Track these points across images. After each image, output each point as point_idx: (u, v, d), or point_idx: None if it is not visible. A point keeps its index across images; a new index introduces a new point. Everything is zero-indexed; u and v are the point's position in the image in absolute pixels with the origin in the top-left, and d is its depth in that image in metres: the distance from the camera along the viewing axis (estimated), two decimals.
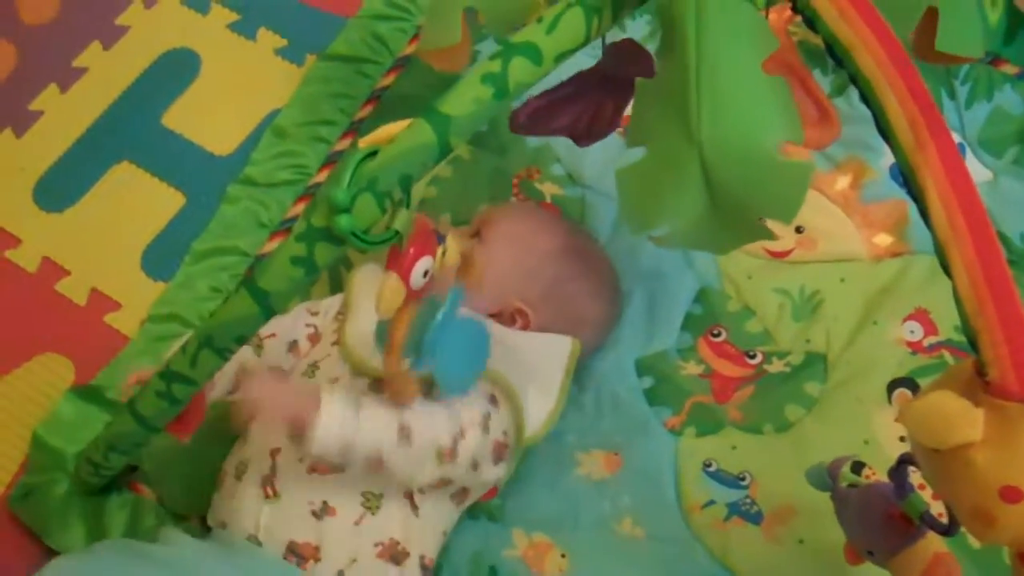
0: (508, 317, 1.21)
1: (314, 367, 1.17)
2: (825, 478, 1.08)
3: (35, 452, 1.23)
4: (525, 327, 1.20)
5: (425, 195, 1.42)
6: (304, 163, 1.44)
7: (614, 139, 1.40)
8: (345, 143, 1.46)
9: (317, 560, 1.07)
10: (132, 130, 1.49)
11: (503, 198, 1.41)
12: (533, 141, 1.44)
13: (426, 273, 0.91)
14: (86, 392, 1.27)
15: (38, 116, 1.50)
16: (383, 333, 0.97)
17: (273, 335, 1.20)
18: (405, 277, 0.90)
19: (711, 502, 1.21)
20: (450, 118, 0.79)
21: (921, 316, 1.29)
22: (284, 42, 1.56)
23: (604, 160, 1.41)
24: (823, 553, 1.17)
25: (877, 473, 1.19)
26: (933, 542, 0.97)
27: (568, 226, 1.30)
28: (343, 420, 1.02)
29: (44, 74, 1.53)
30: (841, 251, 1.34)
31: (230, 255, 1.38)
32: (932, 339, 1.28)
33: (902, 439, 1.22)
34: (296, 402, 1.02)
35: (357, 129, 1.47)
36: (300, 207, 1.42)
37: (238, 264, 1.38)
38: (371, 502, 1.08)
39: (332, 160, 1.45)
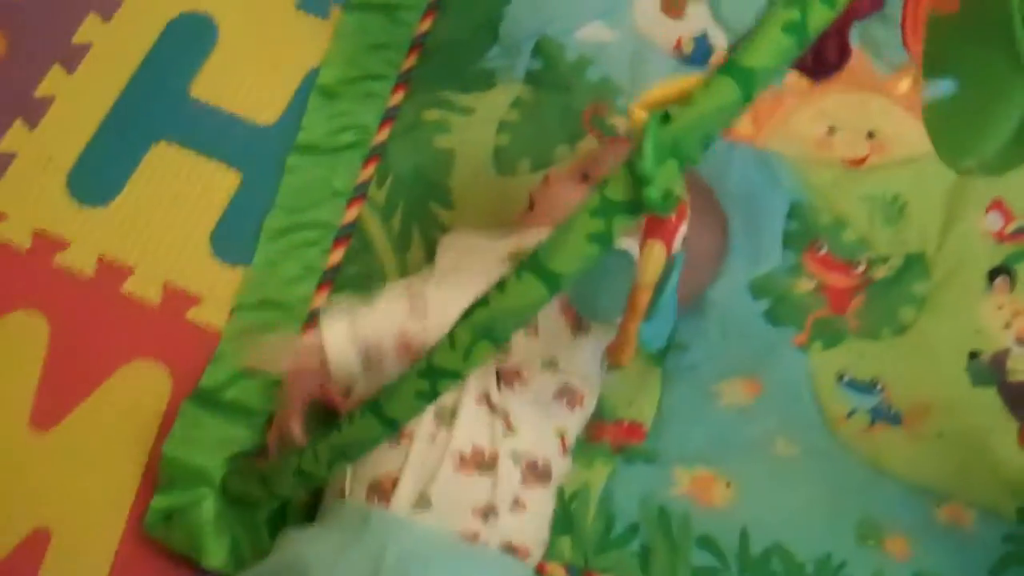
0: None
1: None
2: (984, 371, 1.13)
3: (170, 471, 1.13)
4: None
5: (497, 143, 1.37)
6: (363, 122, 1.37)
7: (673, 64, 1.42)
8: (398, 96, 1.39)
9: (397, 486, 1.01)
10: (160, 107, 1.37)
11: (578, 137, 1.38)
12: (593, 74, 1.41)
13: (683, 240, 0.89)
14: (202, 399, 1.18)
15: (49, 103, 1.35)
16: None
17: None
18: (669, 244, 0.87)
19: (853, 411, 1.25)
20: (753, 71, 0.76)
21: (998, 206, 1.36)
22: None
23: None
24: (964, 441, 1.24)
25: None
26: None
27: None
28: (344, 323, 1.01)
29: (42, 55, 1.38)
30: (912, 153, 1.38)
31: (311, 229, 1.30)
32: (1012, 226, 1.35)
33: (1006, 326, 1.30)
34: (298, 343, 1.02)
35: (408, 80, 1.40)
36: (371, 169, 1.34)
37: (323, 237, 1.30)
38: (444, 415, 1.03)
39: (390, 116, 1.37)
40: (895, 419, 1.25)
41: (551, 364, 1.06)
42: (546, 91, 1.40)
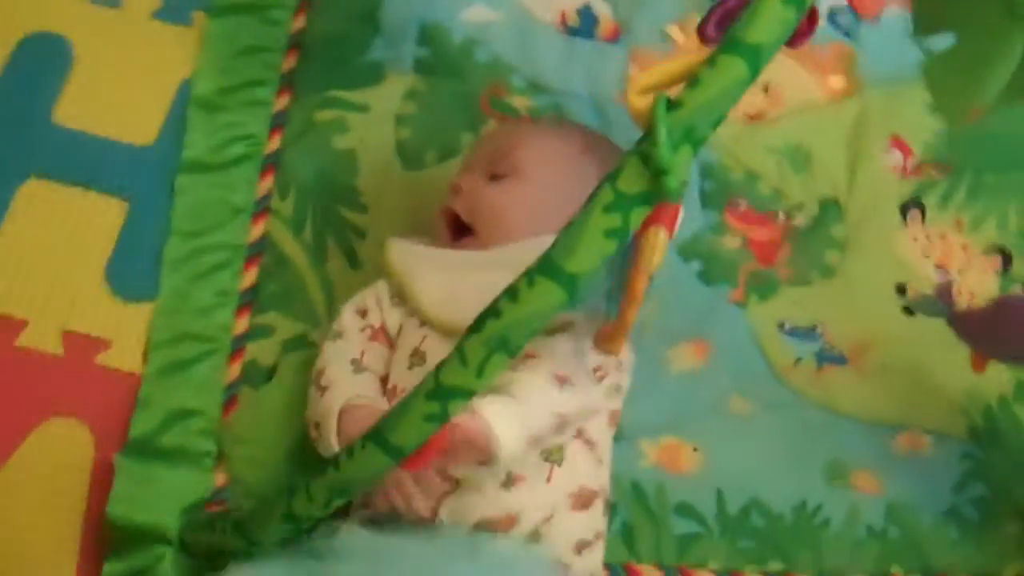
0: None
1: (417, 355, 1.06)
2: (933, 306, 1.16)
3: (120, 534, 1.02)
4: None
5: (398, 137, 1.30)
6: (251, 132, 1.27)
7: (561, 38, 1.39)
8: (284, 100, 1.30)
9: (512, 527, 0.99)
10: (23, 140, 1.23)
11: (479, 122, 1.33)
12: (482, 55, 1.36)
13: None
14: (137, 451, 1.07)
15: None
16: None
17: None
18: (671, 229, 0.84)
19: (799, 359, 1.26)
20: (760, 47, 0.73)
21: (896, 143, 1.39)
22: (156, 2, 1.34)
23: (560, 60, 1.38)
24: (908, 371, 1.26)
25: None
26: None
27: (579, 129, 1.26)
28: (512, 418, 0.93)
29: None
30: (804, 99, 1.40)
31: (217, 252, 1.20)
32: (912, 160, 1.38)
33: (925, 255, 1.33)
34: (462, 434, 0.91)
35: (291, 82, 1.31)
36: (269, 180, 1.25)
37: (232, 259, 1.20)
38: (554, 455, 1.02)
39: (279, 122, 1.28)
40: (840, 360, 1.27)
41: None
42: (438, 78, 1.34)
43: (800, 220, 1.33)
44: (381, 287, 1.13)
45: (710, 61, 0.74)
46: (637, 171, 0.74)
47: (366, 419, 0.96)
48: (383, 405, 1.02)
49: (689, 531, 1.16)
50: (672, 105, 0.74)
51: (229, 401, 1.14)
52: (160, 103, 1.28)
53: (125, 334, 1.15)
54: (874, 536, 1.18)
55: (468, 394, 0.81)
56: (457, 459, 0.93)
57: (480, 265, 1.06)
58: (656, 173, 0.74)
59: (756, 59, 0.73)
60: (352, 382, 1.05)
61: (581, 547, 1.02)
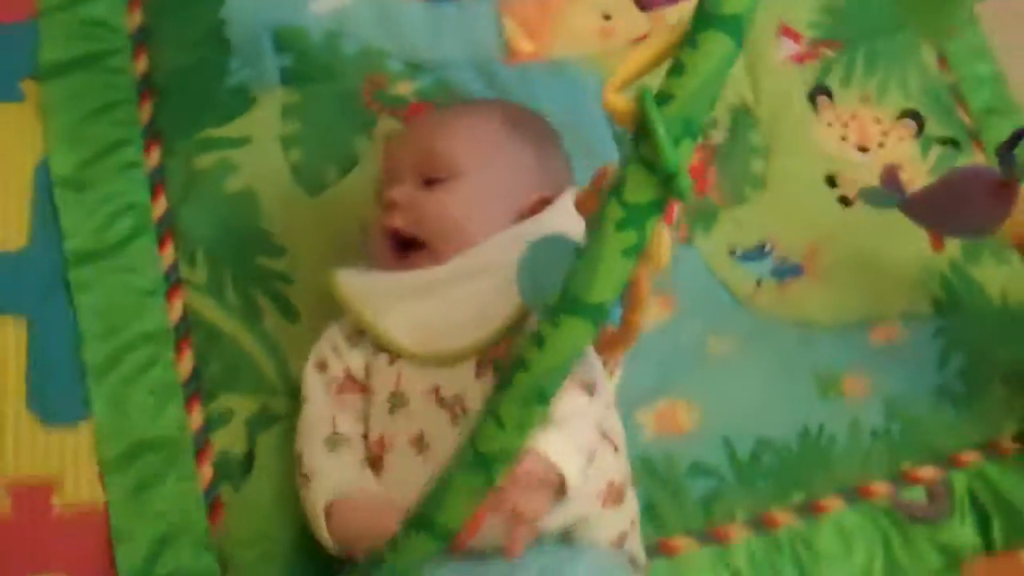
0: (531, 212, 1.06)
1: (397, 397, 0.99)
2: (882, 196, 1.14)
3: None
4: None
5: (291, 162, 1.19)
6: (131, 200, 1.14)
7: (422, 8, 1.29)
8: (155, 155, 1.17)
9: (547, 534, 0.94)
10: None
11: (369, 123, 1.22)
12: (348, 47, 1.25)
13: None
14: None
15: None
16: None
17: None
18: (670, 223, 0.78)
19: (759, 280, 1.24)
20: (739, 16, 0.67)
21: (785, 31, 1.36)
22: None
23: (430, 32, 1.28)
24: (861, 264, 1.26)
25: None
26: None
27: (490, 105, 1.17)
28: (567, 445, 0.88)
29: None
30: (684, 12, 1.34)
31: (141, 346, 1.08)
32: (803, 44, 1.36)
33: (843, 139, 1.32)
34: (530, 481, 0.85)
35: (156, 132, 1.17)
36: (170, 249, 1.13)
37: (159, 350, 1.09)
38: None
39: (158, 180, 1.16)
40: (796, 270, 1.25)
41: None
42: (311, 85, 1.23)
43: (717, 137, 1.30)
44: (334, 331, 1.05)
45: (690, 42, 0.68)
46: (643, 179, 0.69)
47: (355, 512, 0.93)
48: (367, 483, 0.96)
49: (708, 489, 1.14)
50: (660, 98, 0.68)
51: (213, 507, 1.04)
52: (19, 197, 1.13)
53: (72, 465, 1.04)
54: (879, 438, 1.19)
55: (511, 455, 0.76)
56: (531, 507, 0.86)
57: (446, 282, 0.99)
58: (665, 178, 0.69)
59: (738, 29, 0.68)
60: (332, 467, 0.98)
61: (621, 539, 0.99)
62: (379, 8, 1.28)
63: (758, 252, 1.25)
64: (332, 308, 1.06)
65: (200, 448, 1.06)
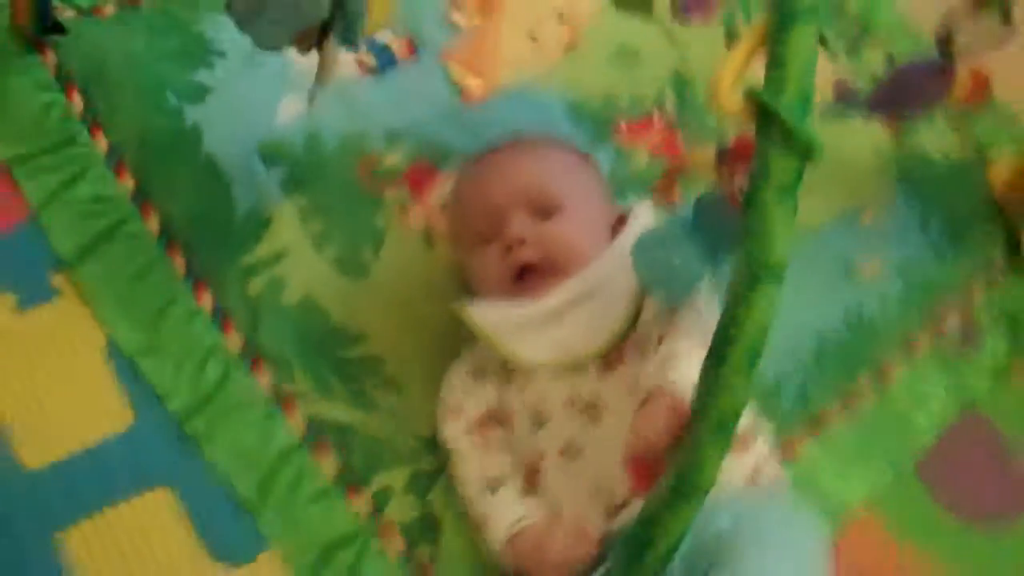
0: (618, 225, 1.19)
1: (537, 416, 1.10)
2: (847, 106, 1.31)
3: None
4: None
5: (327, 256, 1.26)
6: (209, 344, 1.19)
7: (374, 82, 1.37)
8: (207, 298, 1.21)
9: None
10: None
11: (378, 199, 1.30)
12: (329, 141, 1.32)
13: None
14: None
15: None
16: None
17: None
18: None
19: None
20: (815, 6, 0.79)
21: None
22: (11, 299, 1.18)
23: (391, 101, 1.38)
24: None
25: None
26: None
27: (552, 139, 1.27)
28: None
29: None
30: (596, 7, 1.49)
31: (285, 466, 1.14)
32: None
33: None
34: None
35: (199, 279, 1.21)
36: (264, 374, 1.18)
37: (301, 462, 1.14)
38: None
39: (223, 318, 1.20)
40: None
41: None
42: (312, 186, 1.29)
43: (670, 103, 1.44)
44: (456, 375, 1.15)
45: (779, 38, 0.80)
46: (785, 161, 0.80)
47: (531, 543, 1.04)
48: (532, 509, 1.07)
49: (797, 390, 1.28)
50: (772, 89, 0.79)
51: (421, 571, 1.11)
52: (104, 383, 1.15)
53: None
54: (904, 302, 1.36)
55: (741, 410, 0.85)
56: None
57: (574, 301, 1.10)
58: (804, 150, 0.80)
59: (814, 16, 0.79)
60: (497, 510, 1.08)
61: (755, 476, 1.07)
62: (339, 98, 1.36)
63: None
64: (431, 368, 1.15)
65: (381, 526, 1.12)
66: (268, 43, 1.04)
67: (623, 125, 1.41)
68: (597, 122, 1.41)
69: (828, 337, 1.31)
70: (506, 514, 1.07)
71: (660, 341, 1.05)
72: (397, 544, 1.12)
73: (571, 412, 1.08)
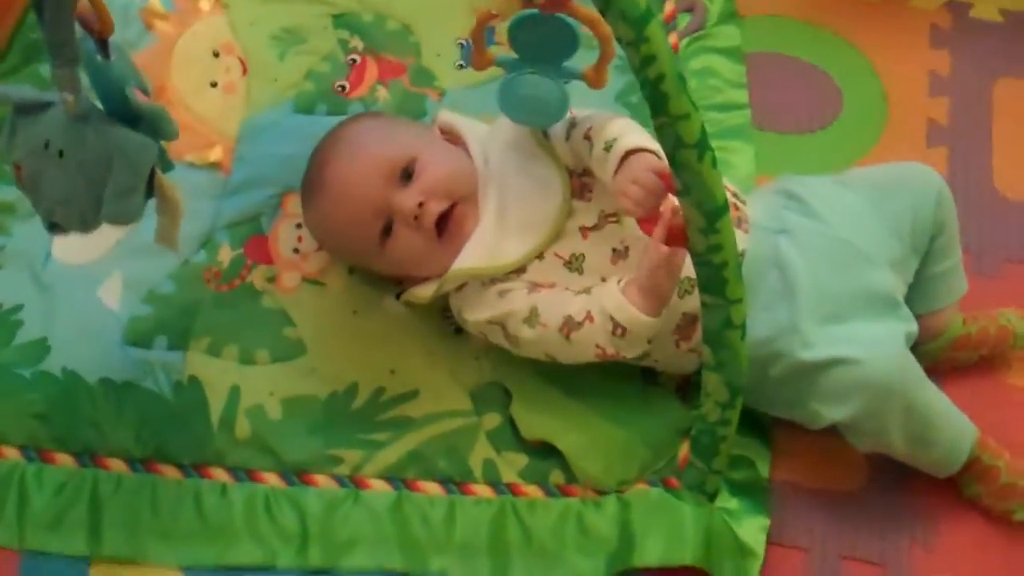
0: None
1: (572, 260, 1.17)
2: None
3: None
4: None
5: None
6: None
7: None
8: None
9: None
10: None
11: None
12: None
13: None
14: None
15: None
16: None
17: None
18: None
19: None
20: None
21: None
22: None
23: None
24: None
25: None
26: None
27: (357, 116, 1.34)
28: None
29: None
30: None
31: None
32: None
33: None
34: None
35: None
36: None
37: None
38: None
39: None
40: None
41: None
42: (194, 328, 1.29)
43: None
44: (483, 300, 1.19)
45: None
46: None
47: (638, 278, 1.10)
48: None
49: None
50: None
51: None
52: None
53: None
54: None
55: None
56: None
57: (501, 192, 1.21)
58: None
59: None
60: (598, 289, 1.14)
61: None
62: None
63: None
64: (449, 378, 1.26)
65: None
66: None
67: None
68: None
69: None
70: (606, 283, 1.14)
71: (587, 136, 1.15)
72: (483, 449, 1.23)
73: (600, 248, 1.17)
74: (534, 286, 1.18)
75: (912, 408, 1.10)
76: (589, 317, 1.12)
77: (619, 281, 1.12)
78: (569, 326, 1.13)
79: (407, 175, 1.20)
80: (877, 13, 1.56)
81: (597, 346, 1.13)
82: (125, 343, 1.26)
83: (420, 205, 1.18)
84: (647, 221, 1.09)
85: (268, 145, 1.40)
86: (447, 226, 1.19)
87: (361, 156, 1.21)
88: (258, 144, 1.41)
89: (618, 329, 1.10)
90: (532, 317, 1.15)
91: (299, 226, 1.33)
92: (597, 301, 1.12)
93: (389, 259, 1.21)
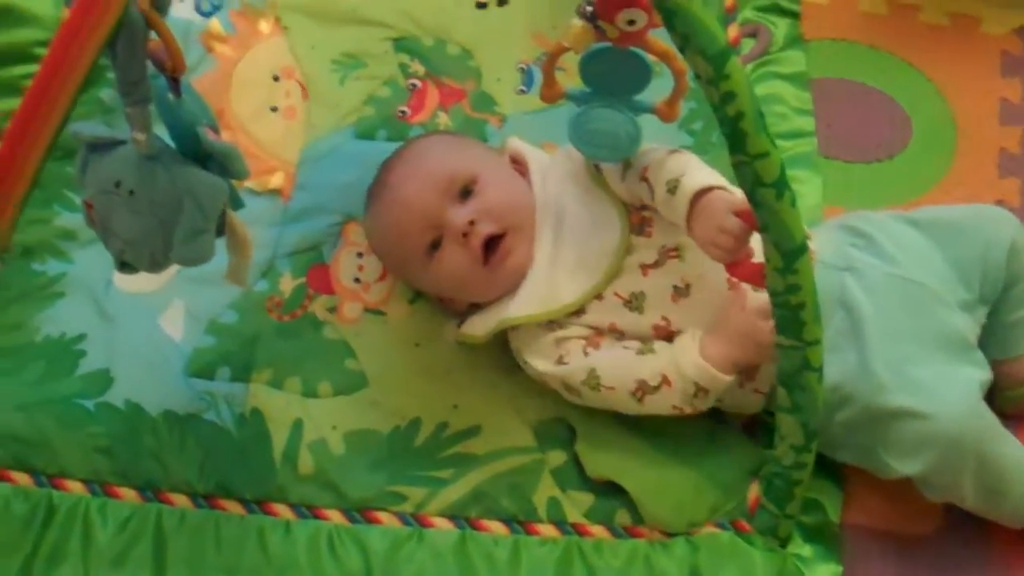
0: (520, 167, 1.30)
1: (636, 297, 1.16)
2: None
3: None
4: None
5: None
6: None
7: None
8: None
9: None
10: None
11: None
12: None
13: None
14: None
15: None
16: None
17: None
18: None
19: None
20: None
21: None
22: None
23: None
24: None
25: None
26: None
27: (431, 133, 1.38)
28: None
29: None
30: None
31: None
32: None
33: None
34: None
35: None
36: None
37: None
38: None
39: None
40: None
41: None
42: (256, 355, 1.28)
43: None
44: (540, 346, 1.18)
45: None
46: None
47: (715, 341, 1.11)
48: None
49: None
50: None
51: None
52: None
53: None
54: None
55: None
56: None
57: (556, 228, 1.20)
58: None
59: None
60: (666, 349, 1.13)
61: None
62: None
63: None
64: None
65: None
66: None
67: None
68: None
69: None
70: (679, 342, 1.12)
71: (644, 178, 1.14)
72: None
73: (662, 282, 1.15)
74: (590, 337, 1.17)
75: (985, 462, 1.08)
76: (666, 381, 1.11)
77: (694, 337, 1.11)
78: (644, 390, 1.12)
79: (466, 192, 1.19)
80: (946, 38, 1.52)
81: (674, 407, 1.12)
82: (188, 374, 1.24)
83: (471, 223, 1.17)
84: (735, 265, 1.07)
85: (329, 172, 1.38)
86: (495, 253, 1.18)
87: (424, 167, 1.21)
88: (318, 171, 1.39)
89: (700, 392, 1.10)
90: (591, 379, 1.14)
91: (360, 255, 1.32)
92: (673, 365, 1.11)
93: (434, 275, 1.20)
